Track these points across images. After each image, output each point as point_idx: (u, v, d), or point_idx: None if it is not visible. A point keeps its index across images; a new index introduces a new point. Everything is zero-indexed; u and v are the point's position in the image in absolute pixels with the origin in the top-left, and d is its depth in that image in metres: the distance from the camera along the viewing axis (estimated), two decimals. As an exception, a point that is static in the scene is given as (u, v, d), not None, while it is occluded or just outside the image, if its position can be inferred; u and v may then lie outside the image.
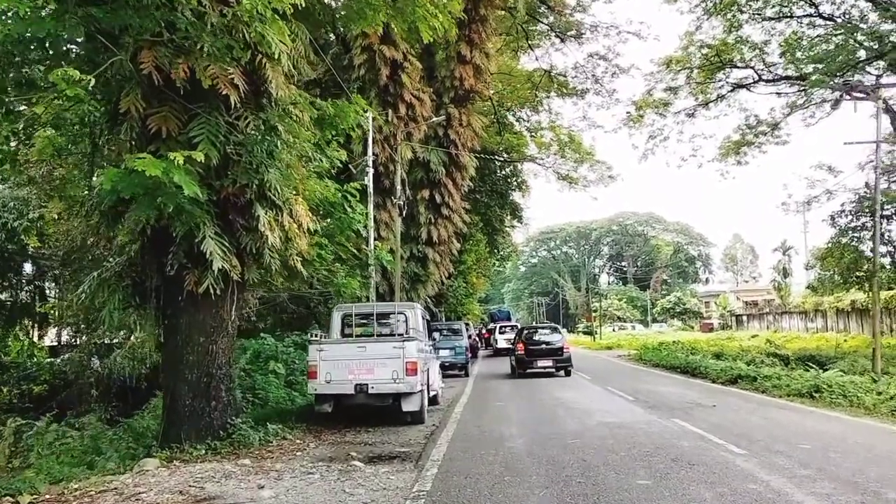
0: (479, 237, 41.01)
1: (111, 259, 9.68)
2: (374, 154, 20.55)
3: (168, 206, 7.11)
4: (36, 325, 24.50)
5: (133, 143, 8.03)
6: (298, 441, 9.08)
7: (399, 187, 19.87)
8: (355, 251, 13.70)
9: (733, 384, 16.73)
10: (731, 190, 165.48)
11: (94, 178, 9.05)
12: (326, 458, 7.99)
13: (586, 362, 29.35)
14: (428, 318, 13.49)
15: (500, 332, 37.08)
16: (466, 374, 22.62)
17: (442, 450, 8.27)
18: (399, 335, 11.06)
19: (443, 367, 22.30)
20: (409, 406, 10.31)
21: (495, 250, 46.48)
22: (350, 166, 18.27)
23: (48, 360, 21.12)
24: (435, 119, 20.97)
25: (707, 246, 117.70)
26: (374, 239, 20.86)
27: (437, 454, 7.98)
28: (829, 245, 33.17)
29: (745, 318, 68.54)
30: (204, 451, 8.08)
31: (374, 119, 20.32)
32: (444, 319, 36.26)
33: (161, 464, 7.45)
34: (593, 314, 66.29)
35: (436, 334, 14.03)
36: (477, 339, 37.54)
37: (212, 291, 7.94)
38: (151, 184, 6.71)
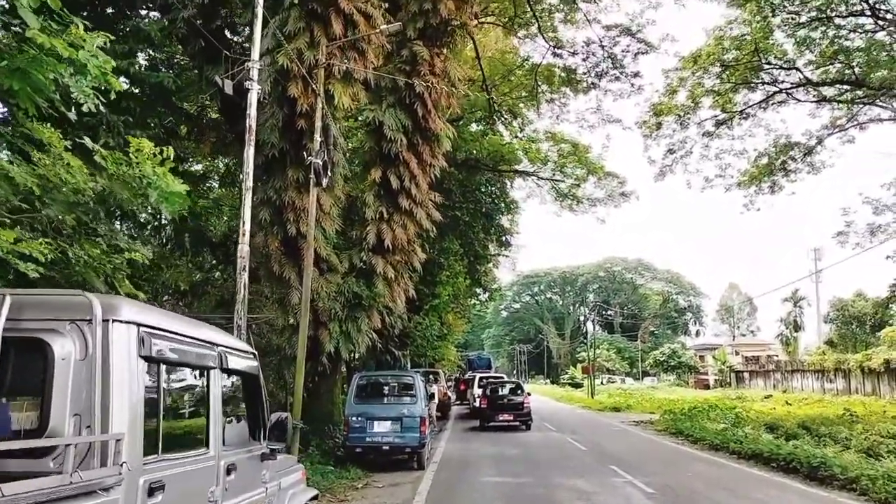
0: (458, 268, 32.73)
1: None
2: (290, 95, 12.46)
3: None
4: None
5: None
6: None
7: (318, 138, 11.61)
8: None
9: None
10: (726, 238, 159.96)
11: None
12: None
13: (608, 441, 20.33)
14: (210, 339, 4.06)
15: (480, 385, 29.11)
16: (420, 466, 13.29)
17: None
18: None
19: (379, 451, 12.93)
20: None
21: (478, 284, 37.92)
22: (218, 78, 10.01)
23: None
24: (386, 27, 12.81)
25: (699, 296, 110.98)
26: (250, 231, 12.63)
27: None
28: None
29: (746, 374, 61.00)
30: None
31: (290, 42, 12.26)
32: (409, 366, 27.83)
33: None
34: (587, 364, 57.65)
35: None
36: (448, 394, 29.25)
37: None
38: None
